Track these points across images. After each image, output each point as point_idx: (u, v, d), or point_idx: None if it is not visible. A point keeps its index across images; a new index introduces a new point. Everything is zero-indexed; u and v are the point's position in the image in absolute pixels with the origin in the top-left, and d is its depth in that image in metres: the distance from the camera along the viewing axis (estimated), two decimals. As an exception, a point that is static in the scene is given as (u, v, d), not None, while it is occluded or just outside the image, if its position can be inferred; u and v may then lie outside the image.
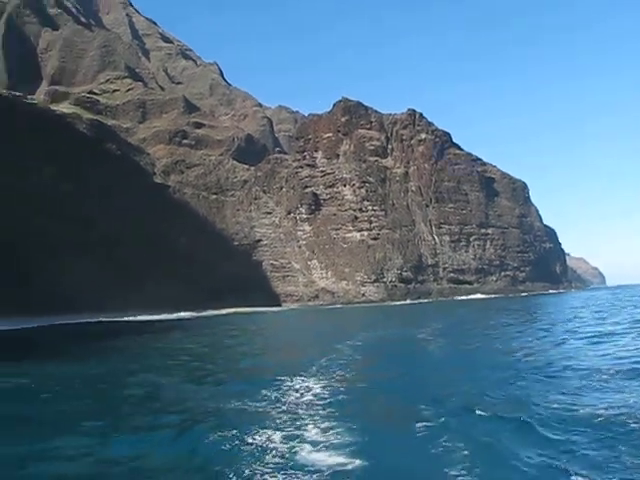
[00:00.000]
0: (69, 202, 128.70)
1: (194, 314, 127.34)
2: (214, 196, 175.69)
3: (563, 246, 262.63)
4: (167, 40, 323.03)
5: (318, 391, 25.50)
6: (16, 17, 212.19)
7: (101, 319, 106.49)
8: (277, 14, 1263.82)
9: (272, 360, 41.29)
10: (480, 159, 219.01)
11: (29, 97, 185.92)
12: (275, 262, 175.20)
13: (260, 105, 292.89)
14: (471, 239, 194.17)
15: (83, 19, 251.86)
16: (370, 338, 53.53)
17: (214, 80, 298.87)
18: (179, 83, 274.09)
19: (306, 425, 19.88)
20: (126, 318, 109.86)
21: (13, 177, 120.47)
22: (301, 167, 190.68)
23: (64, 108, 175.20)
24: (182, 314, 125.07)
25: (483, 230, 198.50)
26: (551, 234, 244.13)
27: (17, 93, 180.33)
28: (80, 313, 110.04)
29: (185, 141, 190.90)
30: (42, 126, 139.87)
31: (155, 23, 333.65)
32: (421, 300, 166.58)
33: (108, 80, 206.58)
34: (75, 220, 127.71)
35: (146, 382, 30.75)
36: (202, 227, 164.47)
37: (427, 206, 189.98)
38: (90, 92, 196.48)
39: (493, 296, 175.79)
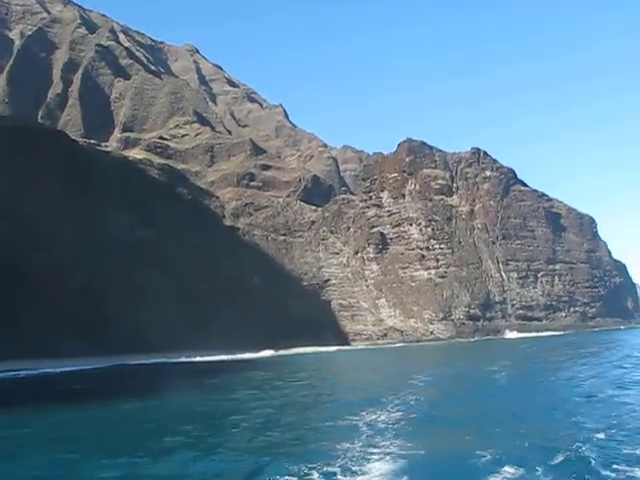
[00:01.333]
0: (146, 247, 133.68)
1: (273, 353, 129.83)
2: (282, 237, 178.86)
3: (635, 280, 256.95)
4: (233, 84, 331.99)
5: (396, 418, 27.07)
6: (91, 69, 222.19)
7: (183, 359, 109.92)
8: (336, 51, 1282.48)
9: (360, 391, 42.76)
10: (546, 195, 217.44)
11: (103, 144, 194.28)
12: (343, 301, 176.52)
13: (325, 145, 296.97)
14: (539, 275, 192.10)
15: (153, 67, 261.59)
16: (448, 374, 54.69)
17: (279, 122, 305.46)
18: (245, 126, 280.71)
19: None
20: (206, 358, 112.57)
21: (95, 225, 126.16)
22: (368, 207, 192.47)
23: (136, 154, 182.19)
24: (264, 353, 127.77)
25: (551, 266, 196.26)
26: (621, 268, 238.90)
27: (92, 141, 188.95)
28: (160, 353, 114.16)
29: (253, 183, 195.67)
30: (117, 172, 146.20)
31: (221, 68, 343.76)
32: (489, 337, 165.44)
33: (177, 125, 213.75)
34: (152, 264, 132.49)
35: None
36: (272, 268, 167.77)
37: (494, 243, 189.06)
38: (160, 137, 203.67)
39: (562, 333, 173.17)
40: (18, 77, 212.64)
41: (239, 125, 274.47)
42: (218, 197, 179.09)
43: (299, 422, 33.95)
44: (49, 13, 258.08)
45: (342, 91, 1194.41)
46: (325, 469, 21.81)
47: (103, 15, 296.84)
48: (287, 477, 21.13)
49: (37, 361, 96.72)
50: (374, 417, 31.64)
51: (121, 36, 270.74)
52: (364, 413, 32.96)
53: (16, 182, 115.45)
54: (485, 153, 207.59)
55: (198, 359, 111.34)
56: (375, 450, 23.79)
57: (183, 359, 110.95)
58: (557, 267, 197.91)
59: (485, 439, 25.74)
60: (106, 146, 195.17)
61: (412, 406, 34.94)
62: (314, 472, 21.53)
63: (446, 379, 53.80)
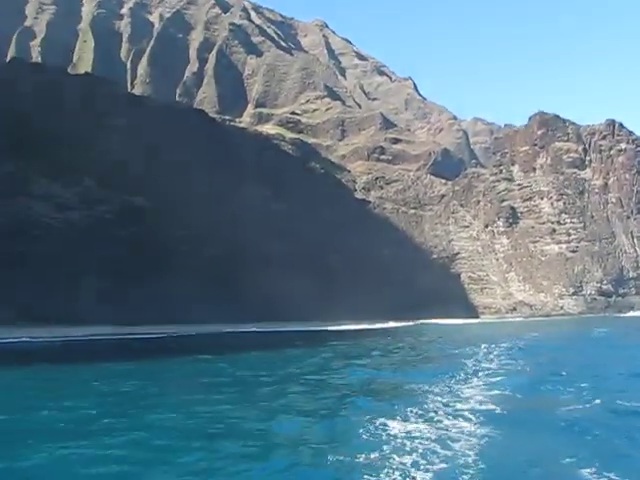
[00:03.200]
0: (280, 219, 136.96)
1: (403, 323, 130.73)
2: (413, 210, 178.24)
3: None
4: (362, 58, 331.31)
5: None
6: (225, 48, 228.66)
7: (311, 328, 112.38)
8: (469, 27, 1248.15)
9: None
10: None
11: (237, 120, 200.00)
12: (473, 275, 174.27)
13: (455, 118, 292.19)
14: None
15: (284, 44, 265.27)
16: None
17: (409, 95, 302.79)
18: (375, 99, 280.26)
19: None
20: (334, 327, 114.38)
21: (230, 197, 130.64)
22: (498, 181, 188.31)
23: (269, 129, 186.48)
24: (391, 324, 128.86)
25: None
26: None
27: (227, 117, 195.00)
28: (290, 322, 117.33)
29: (383, 157, 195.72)
30: (251, 147, 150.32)
31: (350, 42, 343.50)
32: (621, 314, 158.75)
33: (308, 100, 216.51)
34: (285, 236, 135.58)
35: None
36: (402, 241, 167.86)
37: (628, 218, 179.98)
38: (292, 112, 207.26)
39: None
40: (158, 58, 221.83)
41: (369, 99, 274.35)
42: (349, 171, 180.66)
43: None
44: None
45: (473, 62, 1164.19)
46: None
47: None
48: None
49: (177, 326, 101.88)
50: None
51: (253, 14, 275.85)
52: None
53: (158, 160, 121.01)
54: (621, 125, 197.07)
55: (328, 328, 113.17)
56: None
57: (312, 328, 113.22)
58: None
59: None
60: (240, 122, 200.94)
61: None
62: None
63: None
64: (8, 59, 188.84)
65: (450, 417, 24.43)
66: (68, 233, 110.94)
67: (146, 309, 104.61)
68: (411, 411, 25.68)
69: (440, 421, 23.79)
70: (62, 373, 46.96)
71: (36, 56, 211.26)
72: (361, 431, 22.58)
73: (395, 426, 22.93)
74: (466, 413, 25.03)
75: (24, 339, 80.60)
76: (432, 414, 25.11)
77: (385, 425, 23.21)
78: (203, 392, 34.46)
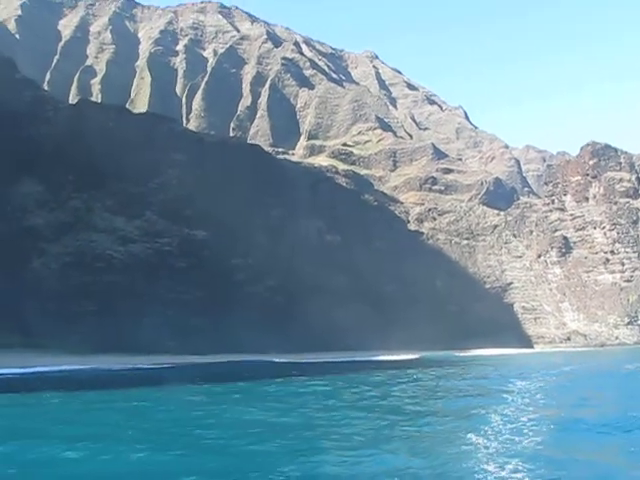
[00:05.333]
0: (334, 250, 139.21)
1: (455, 353, 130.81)
2: (466, 241, 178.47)
3: None
4: (412, 87, 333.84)
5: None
6: (277, 81, 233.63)
7: (366, 357, 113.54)
8: (518, 56, 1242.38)
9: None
10: None
11: (290, 152, 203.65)
12: (526, 304, 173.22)
13: (507, 146, 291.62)
14: None
15: (335, 76, 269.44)
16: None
17: (460, 124, 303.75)
18: (426, 129, 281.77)
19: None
20: (387, 357, 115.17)
21: (286, 230, 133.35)
22: (550, 211, 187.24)
23: (321, 161, 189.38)
24: (444, 353, 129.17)
25: None
26: None
27: (280, 149, 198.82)
28: (344, 351, 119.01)
29: (435, 187, 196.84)
30: (305, 179, 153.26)
31: (400, 72, 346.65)
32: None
33: (360, 132, 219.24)
34: (340, 266, 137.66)
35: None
36: (455, 271, 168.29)
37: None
38: (344, 144, 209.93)
39: None
40: (212, 93, 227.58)
41: (419, 128, 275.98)
42: (402, 202, 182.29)
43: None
44: (238, 31, 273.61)
45: (523, 89, 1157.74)
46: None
47: (287, 28, 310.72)
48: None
49: (238, 355, 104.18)
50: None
51: (304, 47, 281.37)
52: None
53: (216, 194, 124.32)
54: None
55: (380, 358, 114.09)
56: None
57: (367, 358, 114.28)
58: None
59: None
60: (293, 154, 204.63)
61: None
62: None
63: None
64: (72, 98, 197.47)
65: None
66: (130, 265, 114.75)
67: (206, 338, 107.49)
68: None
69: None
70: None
71: (96, 93, 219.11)
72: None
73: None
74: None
75: (103, 367, 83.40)
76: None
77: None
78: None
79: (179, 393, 53.00)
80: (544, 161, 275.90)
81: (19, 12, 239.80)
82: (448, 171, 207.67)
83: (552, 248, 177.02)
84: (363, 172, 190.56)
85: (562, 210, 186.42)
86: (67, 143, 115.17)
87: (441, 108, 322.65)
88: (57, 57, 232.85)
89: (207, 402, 46.97)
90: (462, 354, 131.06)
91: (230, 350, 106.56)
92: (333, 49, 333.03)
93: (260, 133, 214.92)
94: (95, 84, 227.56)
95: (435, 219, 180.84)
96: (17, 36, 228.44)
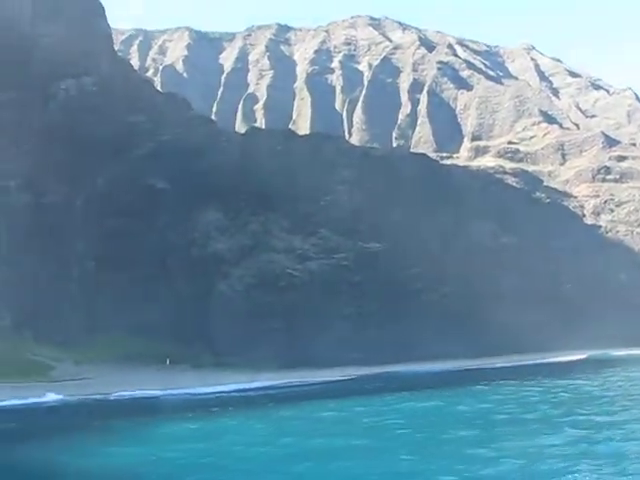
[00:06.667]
0: (509, 252, 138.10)
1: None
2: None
3: None
4: (574, 75, 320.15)
5: None
6: (435, 86, 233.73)
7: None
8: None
9: None
10: None
11: (454, 155, 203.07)
12: None
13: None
14: None
15: (492, 73, 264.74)
16: None
17: (630, 106, 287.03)
18: (593, 116, 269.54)
19: None
20: (576, 357, 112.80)
21: (457, 235, 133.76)
22: None
23: (487, 162, 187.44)
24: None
25: None
26: None
27: (444, 154, 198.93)
28: (525, 354, 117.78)
29: (609, 177, 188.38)
30: (473, 182, 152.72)
31: (560, 61, 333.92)
32: None
33: (524, 128, 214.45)
34: (516, 268, 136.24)
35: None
36: (639, 263, 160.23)
37: None
38: (509, 142, 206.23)
39: None
40: (371, 105, 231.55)
41: (586, 116, 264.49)
42: (576, 196, 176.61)
43: None
44: (390, 41, 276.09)
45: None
46: None
47: (438, 32, 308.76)
48: None
49: (420, 363, 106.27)
50: None
51: (457, 48, 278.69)
52: None
53: (386, 205, 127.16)
54: None
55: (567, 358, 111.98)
56: None
57: (551, 359, 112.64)
58: None
59: None
60: (457, 157, 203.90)
61: None
62: None
63: None
64: (238, 126, 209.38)
65: None
66: (310, 282, 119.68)
67: (386, 348, 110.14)
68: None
69: None
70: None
71: (260, 118, 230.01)
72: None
73: None
74: None
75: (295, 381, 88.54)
76: None
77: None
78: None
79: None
80: None
81: (185, 52, 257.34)
82: (622, 158, 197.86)
83: None
84: (531, 169, 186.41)
85: None
86: (240, 170, 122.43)
87: (608, 92, 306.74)
88: (221, 89, 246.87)
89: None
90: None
91: (410, 359, 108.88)
92: (487, 46, 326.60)
93: (423, 140, 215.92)
94: (258, 109, 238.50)
95: (613, 211, 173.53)
96: (185, 75, 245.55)
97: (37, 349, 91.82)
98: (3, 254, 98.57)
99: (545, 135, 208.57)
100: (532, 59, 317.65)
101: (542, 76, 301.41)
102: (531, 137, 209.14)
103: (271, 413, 56.12)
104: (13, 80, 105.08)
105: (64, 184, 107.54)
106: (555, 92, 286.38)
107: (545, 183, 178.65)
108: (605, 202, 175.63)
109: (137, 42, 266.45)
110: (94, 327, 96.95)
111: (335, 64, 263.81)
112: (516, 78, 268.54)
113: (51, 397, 68.59)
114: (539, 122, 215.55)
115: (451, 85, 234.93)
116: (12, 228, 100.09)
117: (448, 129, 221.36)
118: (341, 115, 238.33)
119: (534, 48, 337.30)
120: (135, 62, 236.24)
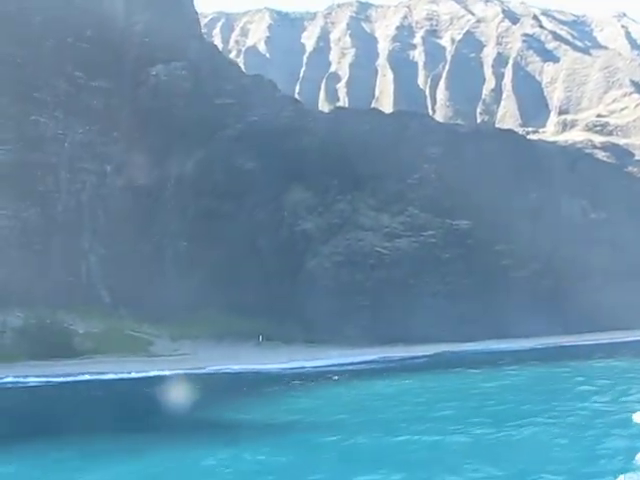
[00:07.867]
0: (599, 228, 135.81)
1: None
2: None
3: None
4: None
5: None
6: (520, 59, 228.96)
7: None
8: None
9: None
10: None
11: (541, 130, 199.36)
12: None
13: None
14: None
15: (579, 44, 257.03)
16: None
17: None
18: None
19: None
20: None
21: (546, 211, 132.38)
22: None
23: (575, 136, 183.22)
24: None
25: None
26: None
27: (530, 128, 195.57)
28: (614, 332, 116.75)
29: None
30: (561, 156, 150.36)
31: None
32: None
33: (614, 100, 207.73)
34: (607, 244, 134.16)
35: None
36: None
37: None
38: (598, 115, 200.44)
39: None
40: (454, 80, 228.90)
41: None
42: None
43: None
44: (473, 15, 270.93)
45: None
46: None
47: (522, 3, 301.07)
48: None
49: (509, 340, 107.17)
50: None
51: (543, 20, 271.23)
52: None
53: (474, 182, 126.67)
54: None
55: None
56: None
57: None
58: None
59: None
60: (544, 131, 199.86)
61: None
62: None
63: None
64: (321, 104, 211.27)
65: None
66: (398, 259, 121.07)
67: (477, 325, 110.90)
68: None
69: None
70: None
71: (343, 97, 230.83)
72: None
73: None
74: None
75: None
76: None
77: None
78: None
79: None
80: None
81: (267, 34, 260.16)
82: None
83: None
84: (622, 142, 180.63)
85: None
86: (327, 149, 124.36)
87: None
88: (303, 69, 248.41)
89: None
90: None
91: (500, 335, 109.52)
92: (574, 15, 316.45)
93: (508, 114, 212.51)
94: (341, 88, 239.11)
95: None
96: (267, 55, 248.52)
97: (136, 326, 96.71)
98: (101, 236, 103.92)
99: (637, 107, 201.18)
100: (623, 27, 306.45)
101: (634, 44, 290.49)
102: (622, 109, 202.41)
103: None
104: (105, 68, 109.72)
105: (156, 167, 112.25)
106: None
107: (637, 157, 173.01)
108: None
109: (219, 25, 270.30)
110: (188, 305, 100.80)
111: (417, 40, 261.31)
112: (606, 48, 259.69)
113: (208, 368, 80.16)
114: (630, 93, 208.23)
115: (537, 58, 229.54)
116: (108, 211, 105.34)
117: (534, 103, 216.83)
118: (424, 92, 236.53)
119: (625, 15, 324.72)
120: (218, 45, 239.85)
